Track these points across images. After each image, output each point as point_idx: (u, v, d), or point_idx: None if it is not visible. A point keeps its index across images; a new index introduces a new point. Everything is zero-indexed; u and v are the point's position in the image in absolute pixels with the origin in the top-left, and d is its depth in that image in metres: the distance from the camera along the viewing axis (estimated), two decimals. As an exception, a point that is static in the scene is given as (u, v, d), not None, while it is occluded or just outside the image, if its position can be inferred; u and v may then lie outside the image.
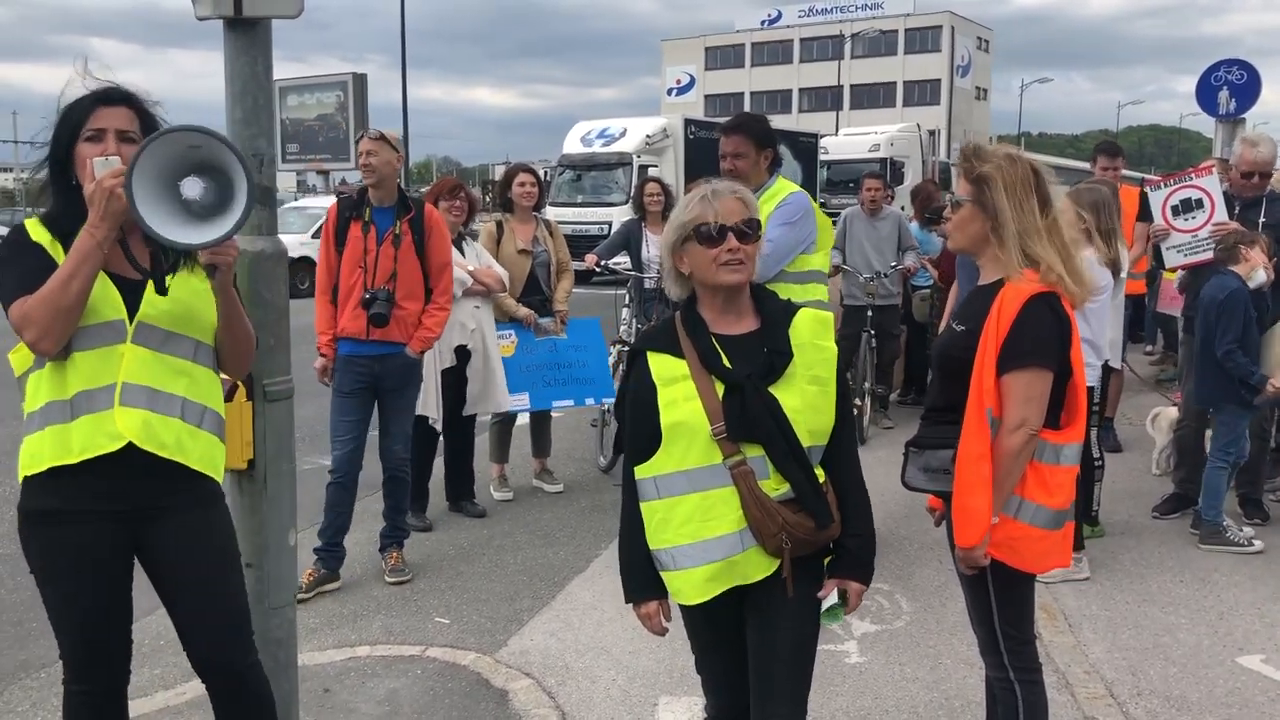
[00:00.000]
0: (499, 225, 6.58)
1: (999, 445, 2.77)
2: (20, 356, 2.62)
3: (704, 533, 2.50)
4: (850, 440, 2.65)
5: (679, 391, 2.52)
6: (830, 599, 2.59)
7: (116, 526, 2.63)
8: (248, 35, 3.10)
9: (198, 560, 2.74)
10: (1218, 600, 4.97)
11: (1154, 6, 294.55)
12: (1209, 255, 6.23)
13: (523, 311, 6.54)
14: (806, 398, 2.50)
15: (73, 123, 2.56)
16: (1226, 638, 4.54)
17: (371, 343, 5.06)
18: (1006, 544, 2.81)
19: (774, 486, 2.49)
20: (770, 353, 2.52)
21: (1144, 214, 7.53)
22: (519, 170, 6.79)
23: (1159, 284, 9.58)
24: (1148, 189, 7.15)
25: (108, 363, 2.55)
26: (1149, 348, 12.27)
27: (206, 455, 2.70)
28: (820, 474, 2.55)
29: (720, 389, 2.49)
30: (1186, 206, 6.56)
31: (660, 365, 2.56)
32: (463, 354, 6.07)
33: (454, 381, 6.06)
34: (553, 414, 7.12)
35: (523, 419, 7.04)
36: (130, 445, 2.54)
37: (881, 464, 7.32)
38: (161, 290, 2.61)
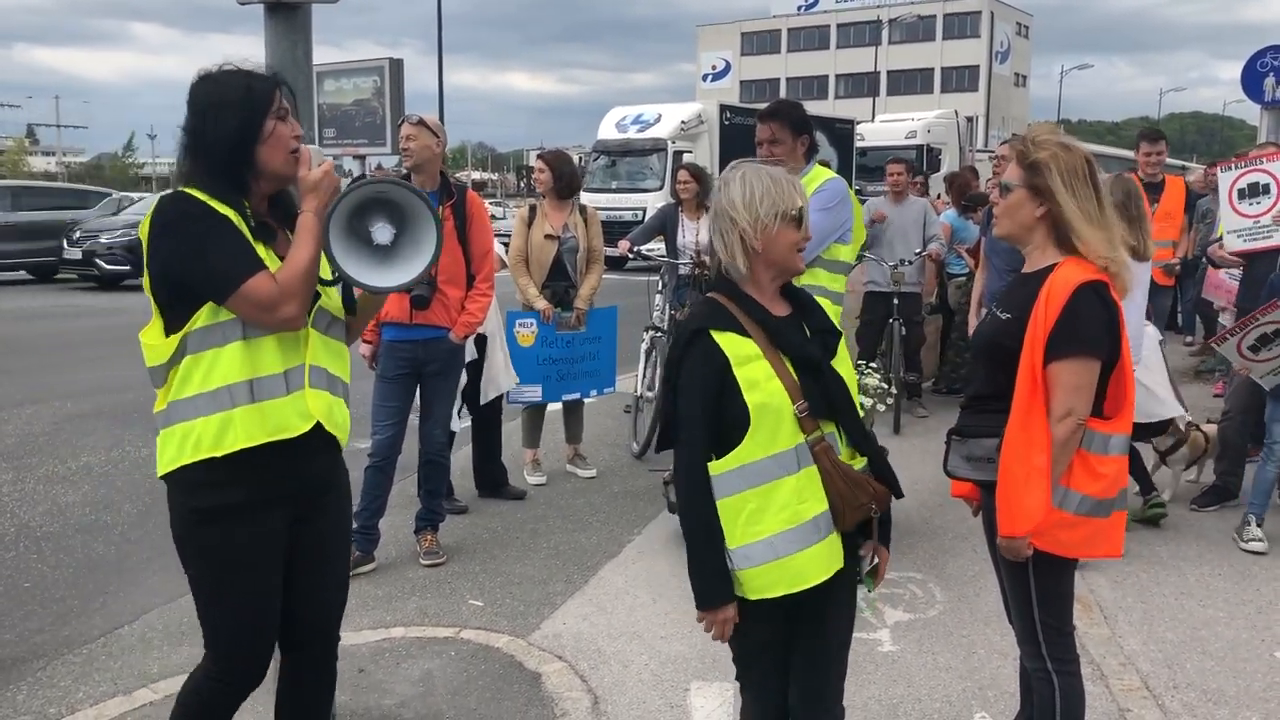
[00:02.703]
0: (531, 209, 6.63)
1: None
2: (164, 343, 2.53)
3: (803, 515, 2.45)
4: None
5: (757, 371, 2.45)
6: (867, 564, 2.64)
7: (292, 509, 2.66)
8: (288, 20, 3.14)
9: (344, 531, 2.89)
10: (1257, 594, 4.91)
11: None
12: (1273, 242, 6.04)
13: (541, 305, 6.53)
14: (849, 376, 2.60)
15: (265, 99, 2.55)
16: (1265, 632, 4.49)
17: (415, 327, 5.09)
18: (1050, 533, 2.79)
19: (847, 460, 2.54)
20: (821, 332, 2.58)
21: (1188, 205, 7.39)
22: (539, 157, 6.92)
23: (1203, 270, 9.43)
24: (1219, 169, 6.92)
25: (297, 344, 2.60)
26: (1188, 338, 12.12)
27: (349, 432, 2.80)
28: None
29: (790, 367, 2.49)
30: (1254, 191, 6.31)
31: (731, 344, 2.47)
32: (480, 343, 6.05)
33: (475, 373, 6.10)
34: (584, 400, 7.14)
35: (554, 405, 7.06)
36: (315, 425, 2.61)
37: (917, 453, 7.29)
38: (352, 310, 2.78)
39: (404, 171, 5.29)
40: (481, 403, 6.24)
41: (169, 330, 2.53)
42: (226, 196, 2.52)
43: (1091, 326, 2.74)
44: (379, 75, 31.39)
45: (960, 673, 4.10)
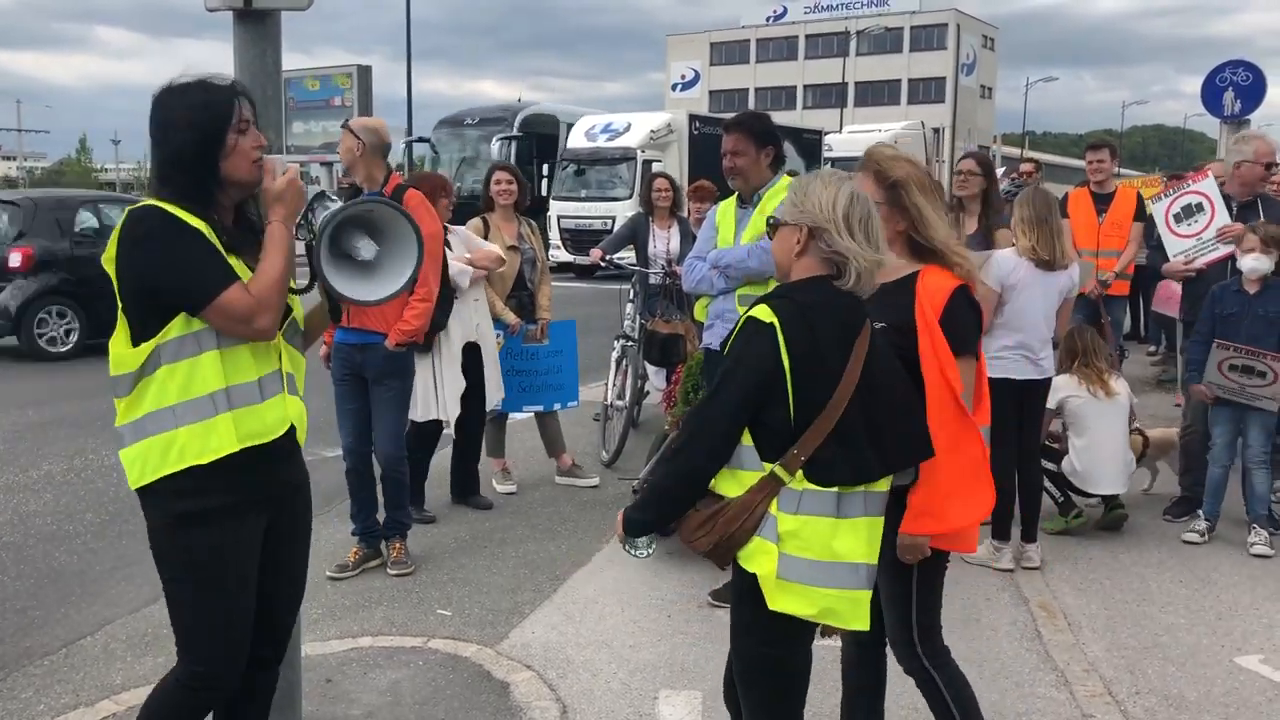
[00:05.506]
0: (484, 222, 6.54)
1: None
2: (132, 352, 2.52)
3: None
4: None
5: None
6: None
7: (267, 513, 2.69)
8: (257, 27, 3.12)
9: (307, 534, 2.90)
10: (1217, 600, 4.99)
11: (1164, 6, 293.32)
12: (1217, 254, 6.24)
13: (511, 319, 6.50)
14: None
15: (223, 114, 2.54)
16: (1225, 638, 4.56)
17: (354, 330, 5.01)
18: (966, 532, 2.94)
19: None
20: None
21: (1139, 214, 7.53)
22: (495, 169, 6.78)
23: (1156, 283, 9.58)
24: (1149, 201, 7.18)
25: (269, 351, 2.64)
26: (1152, 348, 12.26)
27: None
28: None
29: None
30: (1188, 212, 6.58)
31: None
32: (470, 351, 6.02)
33: (474, 377, 6.06)
34: (557, 410, 7.09)
35: (518, 415, 7.02)
36: (289, 429, 2.67)
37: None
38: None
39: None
40: (487, 409, 6.30)
41: (136, 340, 2.52)
42: (195, 209, 2.52)
43: (969, 328, 2.92)
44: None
45: (926, 680, 4.12)
